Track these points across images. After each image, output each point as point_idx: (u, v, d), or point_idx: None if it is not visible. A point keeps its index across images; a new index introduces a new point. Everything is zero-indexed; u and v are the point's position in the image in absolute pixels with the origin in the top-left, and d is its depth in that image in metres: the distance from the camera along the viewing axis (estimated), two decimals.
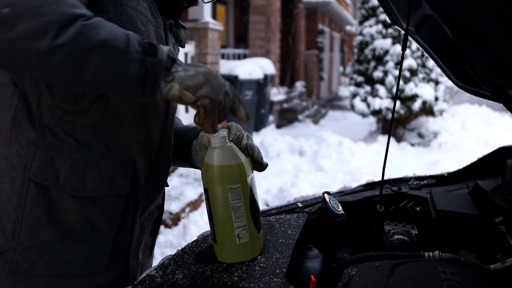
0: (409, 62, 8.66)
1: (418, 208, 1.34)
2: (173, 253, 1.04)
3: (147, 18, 0.98)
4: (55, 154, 0.92)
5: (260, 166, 1.08)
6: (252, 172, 1.02)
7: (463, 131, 10.09)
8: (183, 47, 1.22)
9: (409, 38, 1.36)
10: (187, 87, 0.82)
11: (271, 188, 5.35)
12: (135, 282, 0.91)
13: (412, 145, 8.89)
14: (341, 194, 1.47)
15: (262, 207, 1.32)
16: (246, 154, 1.04)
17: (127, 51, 0.78)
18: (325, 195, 1.24)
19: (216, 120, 0.86)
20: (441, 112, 9.21)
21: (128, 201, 1.00)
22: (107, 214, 0.97)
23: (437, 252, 1.02)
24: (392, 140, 8.44)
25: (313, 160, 6.99)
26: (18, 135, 0.91)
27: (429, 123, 9.32)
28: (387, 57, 8.97)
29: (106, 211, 0.97)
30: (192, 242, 1.09)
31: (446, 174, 1.63)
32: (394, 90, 8.27)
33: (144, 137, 1.01)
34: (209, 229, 1.02)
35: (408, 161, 7.19)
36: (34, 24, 0.73)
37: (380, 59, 9.11)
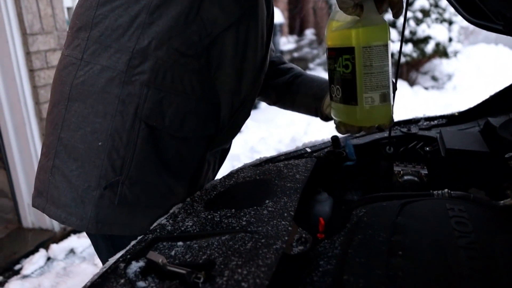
0: (421, 2, 8.34)
1: (427, 148, 1.33)
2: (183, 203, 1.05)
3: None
4: (164, 96, 0.98)
5: None
6: None
7: (479, 72, 9.86)
8: None
9: None
10: None
11: (283, 138, 5.36)
12: (147, 231, 0.93)
13: (426, 88, 8.73)
14: (350, 137, 1.45)
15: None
16: None
17: None
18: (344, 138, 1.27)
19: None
20: (455, 53, 8.94)
21: (209, 141, 1.11)
22: (194, 151, 1.08)
23: (446, 190, 1.01)
24: (405, 84, 8.35)
25: None
26: (132, 76, 0.96)
27: (442, 66, 9.10)
28: None
29: (194, 149, 1.08)
30: (201, 190, 1.10)
31: (457, 114, 1.60)
32: (406, 32, 8.03)
33: (234, 88, 1.09)
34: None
35: (421, 104, 7.08)
36: None
37: None
